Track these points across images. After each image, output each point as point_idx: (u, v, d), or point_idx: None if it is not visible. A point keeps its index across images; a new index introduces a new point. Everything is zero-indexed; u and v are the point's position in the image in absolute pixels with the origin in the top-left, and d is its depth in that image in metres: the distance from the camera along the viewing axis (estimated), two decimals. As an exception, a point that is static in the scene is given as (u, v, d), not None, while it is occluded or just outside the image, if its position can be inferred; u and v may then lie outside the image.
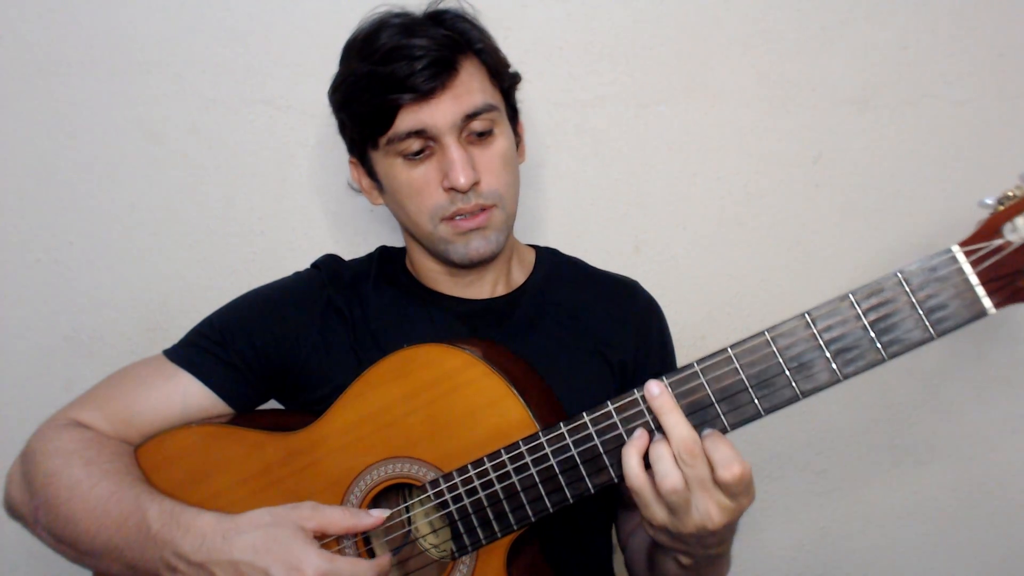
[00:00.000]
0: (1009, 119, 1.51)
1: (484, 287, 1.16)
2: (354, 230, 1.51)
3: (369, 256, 1.23)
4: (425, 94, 1.02)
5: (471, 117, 1.05)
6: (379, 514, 0.96)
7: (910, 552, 1.66)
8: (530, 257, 1.22)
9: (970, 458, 1.62)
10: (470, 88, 1.05)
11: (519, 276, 1.19)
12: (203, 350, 1.10)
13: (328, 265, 1.19)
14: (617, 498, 1.19)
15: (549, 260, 1.22)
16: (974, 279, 0.77)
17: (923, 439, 1.62)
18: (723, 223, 1.53)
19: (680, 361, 1.25)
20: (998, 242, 0.75)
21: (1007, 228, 0.76)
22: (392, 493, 1.03)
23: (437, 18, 1.08)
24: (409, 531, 1.03)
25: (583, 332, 1.15)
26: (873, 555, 1.66)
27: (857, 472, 1.63)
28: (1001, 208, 0.77)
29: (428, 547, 1.03)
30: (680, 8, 1.46)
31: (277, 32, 1.44)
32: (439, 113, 1.03)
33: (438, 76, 1.02)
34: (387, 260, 1.21)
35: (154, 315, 1.48)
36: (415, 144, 1.04)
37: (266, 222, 1.49)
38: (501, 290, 1.17)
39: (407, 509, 1.03)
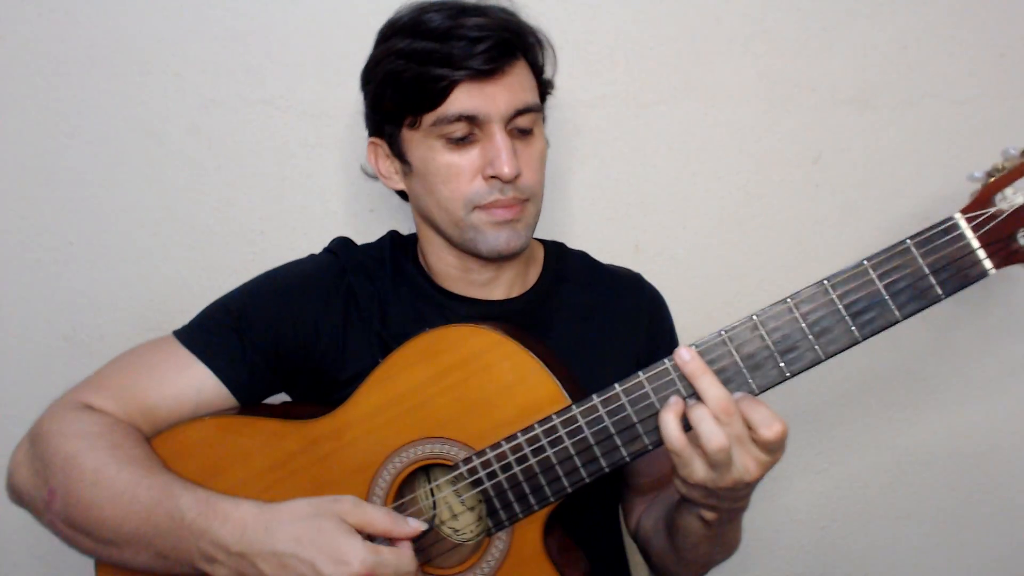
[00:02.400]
0: (1009, 119, 1.51)
1: (500, 288, 1.15)
2: (354, 230, 1.50)
3: (380, 243, 1.20)
4: (483, 75, 1.01)
5: (520, 113, 1.04)
6: (417, 524, 0.94)
7: (910, 552, 1.66)
8: (539, 253, 1.21)
9: (970, 458, 1.62)
10: (523, 83, 1.06)
11: (532, 275, 1.18)
12: (219, 340, 1.07)
13: (345, 250, 1.17)
14: (623, 481, 1.20)
15: (558, 256, 1.22)
16: (975, 243, 0.85)
17: (923, 439, 1.62)
18: (723, 223, 1.53)
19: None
20: (992, 210, 0.84)
21: (998, 197, 0.84)
22: (414, 480, 1.03)
23: (485, 9, 1.07)
24: (434, 516, 1.02)
25: (597, 332, 1.15)
26: (873, 555, 1.66)
27: (857, 472, 1.63)
28: (992, 180, 0.85)
29: (450, 532, 1.03)
30: (680, 8, 1.46)
31: (277, 32, 1.44)
32: (492, 101, 1.02)
33: (498, 60, 1.02)
34: (399, 249, 1.19)
35: (154, 315, 1.48)
36: (461, 129, 1.03)
37: (266, 222, 1.49)
38: (516, 291, 1.16)
39: (431, 492, 1.03)
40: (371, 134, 1.14)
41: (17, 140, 1.44)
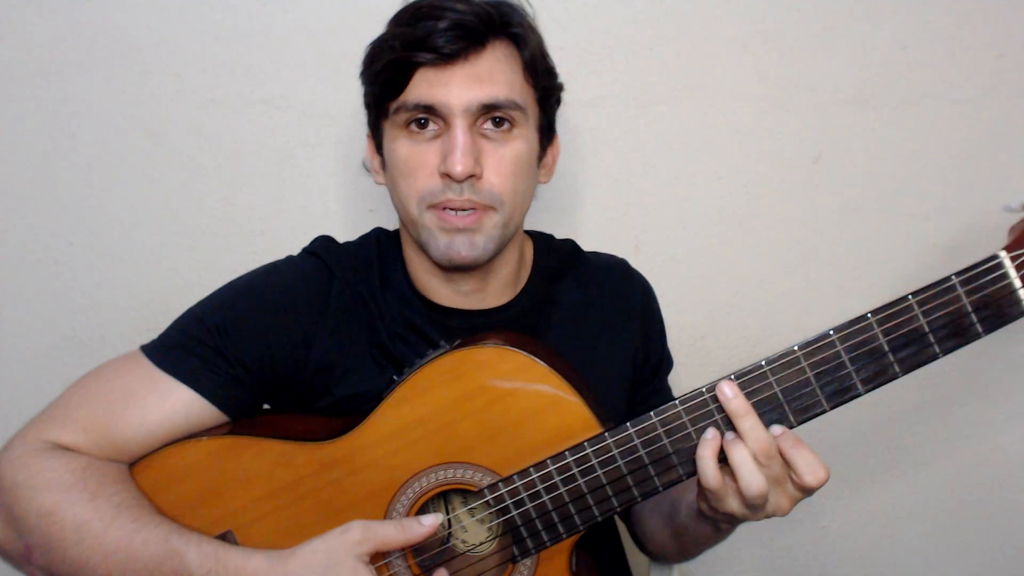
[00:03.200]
0: (1009, 119, 1.51)
1: (489, 298, 1.09)
2: (354, 230, 1.49)
3: (365, 241, 1.13)
4: (443, 58, 0.94)
5: (489, 108, 0.96)
6: (431, 520, 0.91)
7: (910, 552, 1.66)
8: (529, 252, 1.15)
9: (970, 458, 1.62)
10: (494, 75, 0.97)
11: (524, 276, 1.13)
12: (201, 359, 0.99)
13: (328, 251, 1.09)
14: None
15: (547, 252, 1.16)
16: (1018, 283, 0.85)
17: (923, 439, 1.62)
18: (723, 223, 1.53)
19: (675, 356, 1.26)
20: None
21: None
22: (426, 506, 0.99)
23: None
24: (448, 541, 1.00)
25: (594, 329, 1.12)
26: (873, 555, 1.66)
27: (857, 472, 1.63)
28: None
29: (464, 548, 1.01)
30: (680, 8, 1.46)
31: (277, 32, 1.44)
32: (453, 90, 0.95)
33: (459, 41, 0.94)
34: (386, 251, 1.11)
35: (154, 315, 1.48)
36: (422, 119, 0.97)
37: (266, 222, 1.49)
38: (508, 296, 1.10)
39: (449, 523, 1.00)
40: (368, 126, 1.09)
41: (17, 140, 1.44)
